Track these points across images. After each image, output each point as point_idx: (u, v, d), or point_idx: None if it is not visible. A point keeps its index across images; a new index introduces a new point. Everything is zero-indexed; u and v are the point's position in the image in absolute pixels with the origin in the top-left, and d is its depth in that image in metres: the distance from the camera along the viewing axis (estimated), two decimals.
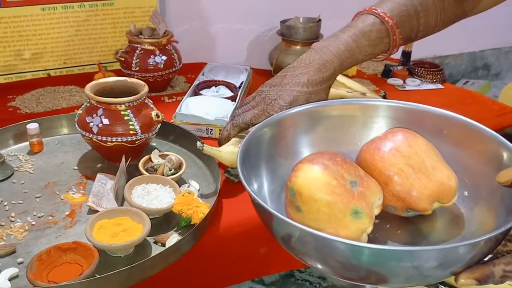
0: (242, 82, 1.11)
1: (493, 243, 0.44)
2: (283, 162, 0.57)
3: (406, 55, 1.41)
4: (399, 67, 1.38)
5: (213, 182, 0.80)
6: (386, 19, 0.69)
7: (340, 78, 1.15)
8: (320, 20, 1.27)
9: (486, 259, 0.46)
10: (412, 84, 1.31)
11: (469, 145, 0.54)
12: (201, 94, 1.04)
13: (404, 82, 1.32)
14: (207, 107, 0.97)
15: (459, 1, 0.74)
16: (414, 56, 1.43)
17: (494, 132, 0.53)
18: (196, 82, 1.08)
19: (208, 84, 1.09)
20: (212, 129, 0.94)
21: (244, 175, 0.50)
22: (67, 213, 0.73)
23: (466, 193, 0.53)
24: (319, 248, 0.44)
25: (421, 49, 1.45)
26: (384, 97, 1.06)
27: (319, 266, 0.46)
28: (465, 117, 0.56)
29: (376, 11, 0.70)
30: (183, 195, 0.71)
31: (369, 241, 0.48)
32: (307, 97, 0.68)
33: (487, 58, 1.87)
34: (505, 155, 0.51)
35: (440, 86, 1.31)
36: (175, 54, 1.11)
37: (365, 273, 0.43)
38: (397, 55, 1.46)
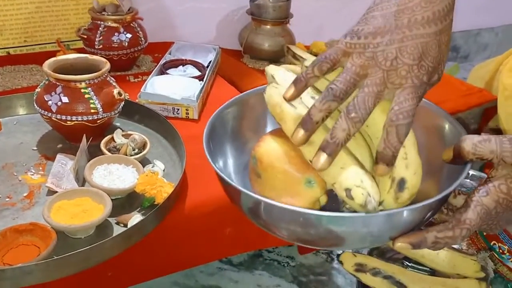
0: (210, 62, 1.09)
1: (427, 210, 0.46)
2: (251, 137, 0.58)
3: None
4: None
5: (179, 162, 0.79)
6: None
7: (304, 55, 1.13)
8: None
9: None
10: None
11: (422, 123, 0.55)
12: (167, 73, 1.01)
13: None
14: (173, 87, 0.95)
15: None
16: None
17: (439, 107, 0.56)
18: (162, 61, 1.05)
19: (175, 64, 1.06)
20: (178, 109, 0.92)
21: (210, 152, 0.52)
22: (25, 194, 0.71)
23: None
24: (274, 214, 0.47)
25: None
26: None
27: (279, 231, 0.49)
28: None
29: None
30: (146, 175, 0.69)
31: (323, 209, 0.50)
32: (437, 41, 0.45)
33: (455, 40, 1.89)
34: (447, 128, 0.55)
35: None
36: (140, 32, 1.08)
37: (320, 235, 0.46)
38: None
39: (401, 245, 0.46)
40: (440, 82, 1.27)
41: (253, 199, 0.47)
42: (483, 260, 0.70)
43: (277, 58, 1.26)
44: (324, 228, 0.45)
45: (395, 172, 0.46)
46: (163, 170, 0.76)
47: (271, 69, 0.57)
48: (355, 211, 0.46)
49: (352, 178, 0.45)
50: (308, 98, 0.54)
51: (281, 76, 0.56)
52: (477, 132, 1.19)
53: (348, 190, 0.44)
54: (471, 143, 0.47)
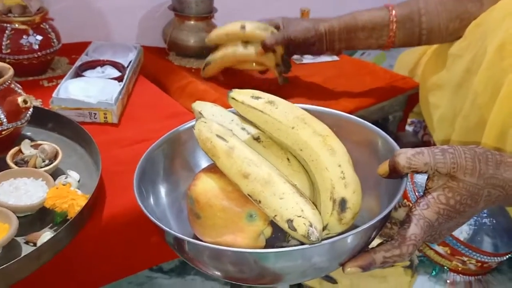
0: (130, 61, 1.04)
1: (372, 231, 0.46)
2: (185, 174, 0.58)
3: None
4: None
5: (96, 170, 0.74)
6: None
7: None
8: None
9: (375, 244, 0.49)
10: (309, 57, 1.31)
11: (355, 139, 0.56)
12: (83, 76, 0.96)
13: (302, 55, 1.32)
14: (89, 90, 0.90)
15: None
16: None
17: (370, 124, 0.57)
18: (78, 63, 1.00)
19: (92, 65, 1.01)
20: (95, 113, 0.87)
21: (141, 195, 0.51)
22: None
23: None
24: (211, 257, 0.46)
25: None
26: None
27: (214, 273, 0.48)
28: (344, 112, 0.60)
29: None
30: (56, 188, 0.64)
31: (269, 241, 0.50)
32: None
33: None
34: (380, 143, 0.56)
35: (336, 58, 1.32)
36: (52, 33, 1.01)
37: (256, 275, 0.46)
38: None
39: (351, 270, 0.46)
40: (365, 71, 1.29)
41: (195, 244, 0.46)
42: None
43: (204, 54, 1.23)
44: (265, 265, 0.45)
45: (334, 193, 0.46)
46: (78, 181, 0.72)
47: (197, 105, 0.56)
48: (301, 242, 0.45)
49: (293, 208, 0.44)
50: (239, 129, 0.54)
51: (209, 111, 0.55)
52: (403, 118, 1.22)
53: (290, 221, 0.44)
54: (405, 157, 0.48)
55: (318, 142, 0.48)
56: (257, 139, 0.53)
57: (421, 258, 0.87)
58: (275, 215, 0.45)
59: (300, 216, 0.44)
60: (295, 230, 0.43)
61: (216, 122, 0.50)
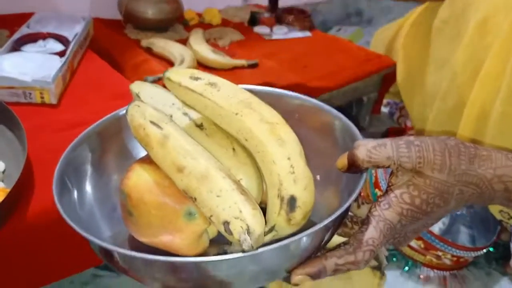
0: (76, 34, 0.93)
1: (323, 233, 0.40)
2: (122, 164, 0.50)
3: (273, 1, 1.31)
4: (266, 14, 1.28)
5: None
6: None
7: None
8: None
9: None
10: (279, 32, 1.22)
11: (318, 126, 0.50)
12: (21, 51, 0.85)
13: (271, 30, 1.23)
14: (26, 66, 0.79)
15: None
16: (283, 3, 1.34)
17: (335, 110, 0.50)
18: (15, 36, 0.89)
19: (33, 38, 0.90)
20: (30, 93, 0.77)
21: (64, 191, 0.44)
22: None
23: (318, 177, 0.49)
24: (142, 267, 0.39)
25: None
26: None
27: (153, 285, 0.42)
28: (311, 98, 0.52)
29: None
30: None
31: (216, 240, 0.43)
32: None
33: (359, 3, 1.85)
34: (344, 131, 0.48)
35: (308, 34, 1.24)
36: None
37: (199, 284, 0.40)
38: (265, 1, 1.36)
39: (299, 278, 0.39)
40: (339, 49, 1.20)
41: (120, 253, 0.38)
42: None
43: (164, 27, 1.13)
44: (205, 274, 0.38)
45: (282, 189, 0.40)
46: (3, 172, 0.63)
47: (136, 86, 0.49)
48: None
49: (230, 208, 0.37)
50: (180, 114, 0.46)
51: (148, 93, 0.48)
52: (378, 99, 1.14)
53: (226, 224, 0.37)
54: (365, 149, 0.41)
55: (265, 130, 0.41)
56: (199, 126, 0.46)
57: (393, 252, 0.81)
58: (211, 215, 0.38)
59: (237, 218, 0.37)
60: (231, 233, 0.37)
61: (152, 106, 0.43)
